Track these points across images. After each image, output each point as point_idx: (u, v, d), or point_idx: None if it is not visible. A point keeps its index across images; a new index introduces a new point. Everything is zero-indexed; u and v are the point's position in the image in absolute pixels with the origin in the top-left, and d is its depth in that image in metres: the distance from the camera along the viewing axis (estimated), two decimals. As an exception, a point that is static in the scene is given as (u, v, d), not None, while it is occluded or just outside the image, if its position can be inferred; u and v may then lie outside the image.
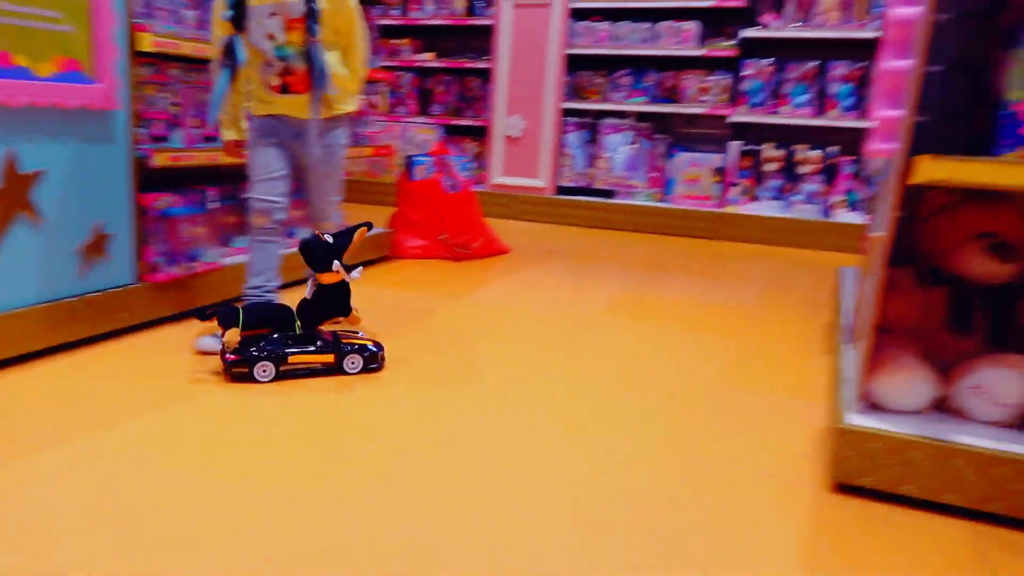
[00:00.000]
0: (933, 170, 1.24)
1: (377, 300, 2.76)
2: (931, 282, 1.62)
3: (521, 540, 1.27)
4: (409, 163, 3.64)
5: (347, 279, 2.02)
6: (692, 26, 4.52)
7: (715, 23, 4.64)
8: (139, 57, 2.22)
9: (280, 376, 1.91)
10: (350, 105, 2.25)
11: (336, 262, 1.97)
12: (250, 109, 2.19)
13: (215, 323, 1.92)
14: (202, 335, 2.14)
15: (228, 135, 2.21)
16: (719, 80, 4.58)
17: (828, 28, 4.24)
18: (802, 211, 4.38)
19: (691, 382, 2.07)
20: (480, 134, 5.23)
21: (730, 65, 4.56)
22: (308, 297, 2.02)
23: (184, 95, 2.42)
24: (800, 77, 4.34)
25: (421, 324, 2.51)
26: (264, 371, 1.89)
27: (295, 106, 2.14)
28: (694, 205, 4.63)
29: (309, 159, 2.21)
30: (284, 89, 2.12)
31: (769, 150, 4.46)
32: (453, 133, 5.37)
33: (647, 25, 4.63)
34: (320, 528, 1.27)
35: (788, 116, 4.37)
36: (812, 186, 4.38)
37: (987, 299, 1.56)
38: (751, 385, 2.07)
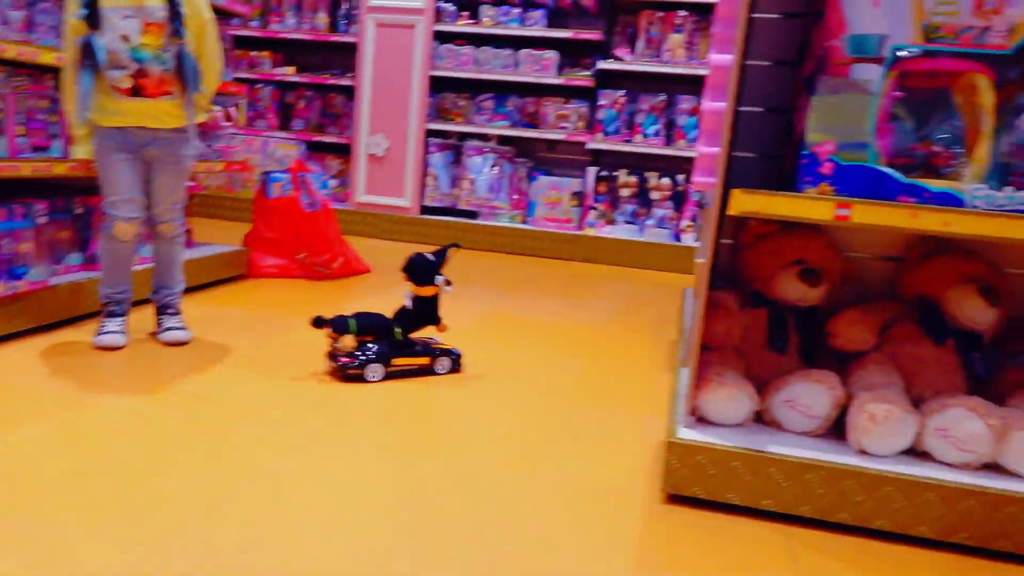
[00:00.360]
0: (745, 203, 1.36)
1: (226, 318, 2.66)
2: (753, 304, 1.76)
3: (350, 561, 1.26)
4: (266, 180, 3.54)
5: (442, 292, 2.27)
6: (551, 55, 4.69)
7: (573, 54, 4.83)
8: (-46, 58, 2.05)
9: (386, 377, 2.15)
10: (199, 116, 2.22)
11: (438, 276, 2.24)
12: (95, 120, 2.11)
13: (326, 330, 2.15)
14: (103, 333, 2.22)
15: (82, 152, 2.15)
16: (577, 108, 4.76)
17: (675, 64, 4.52)
18: (654, 235, 4.62)
19: (541, 399, 2.13)
20: (343, 151, 5.16)
21: (587, 94, 4.76)
22: (408, 307, 2.26)
23: (8, 100, 2.24)
24: (651, 109, 4.60)
25: (272, 342, 2.44)
26: (374, 373, 2.14)
27: (144, 114, 2.11)
28: (555, 227, 4.77)
29: (155, 167, 2.21)
30: (135, 92, 2.09)
31: (624, 176, 4.69)
32: (315, 149, 5.27)
33: (508, 52, 4.75)
34: (147, 564, 1.21)
35: (640, 145, 4.62)
36: (663, 211, 4.64)
37: (799, 320, 1.72)
38: (598, 401, 2.17)
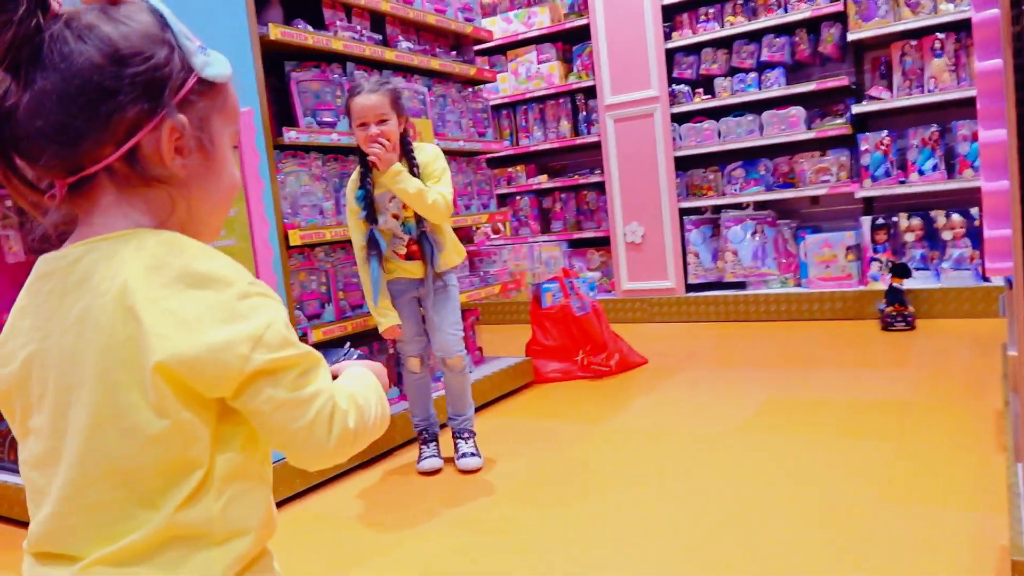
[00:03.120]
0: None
1: (517, 430, 2.86)
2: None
3: None
4: (538, 291, 3.80)
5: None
6: (797, 111, 4.52)
7: (821, 104, 4.62)
8: (290, 250, 2.52)
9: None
10: (454, 260, 2.53)
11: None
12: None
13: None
14: (423, 459, 2.56)
15: (388, 322, 2.47)
16: (836, 158, 4.50)
17: (943, 91, 4.11)
18: (953, 279, 4.13)
19: (842, 500, 1.98)
20: (603, 243, 5.36)
21: (845, 142, 4.49)
22: None
23: (330, 274, 2.70)
24: (923, 143, 4.20)
25: (558, 455, 2.56)
26: None
27: (415, 268, 2.47)
28: (834, 286, 4.48)
29: (428, 304, 2.51)
30: (410, 257, 2.45)
31: (905, 220, 4.29)
32: (576, 246, 5.54)
33: (751, 117, 4.67)
34: None
35: (918, 183, 4.21)
36: (959, 250, 4.14)
37: None
38: (911, 497, 1.96)
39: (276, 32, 2.48)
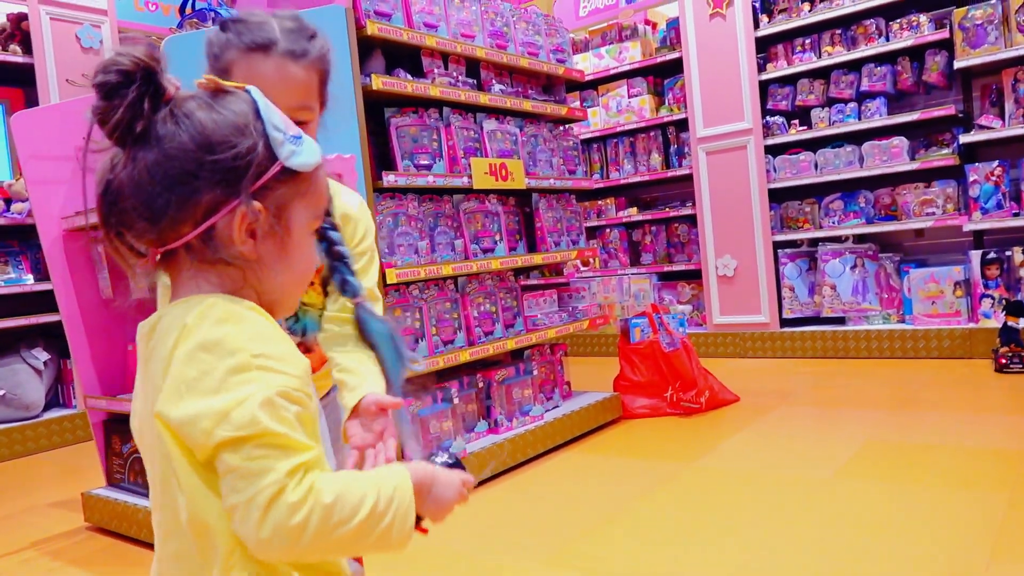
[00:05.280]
0: None
1: (604, 468, 2.86)
2: None
3: None
4: (627, 326, 3.80)
5: None
6: (899, 141, 4.37)
7: (926, 134, 4.45)
8: (387, 287, 2.64)
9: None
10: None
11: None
12: None
13: None
14: None
15: None
16: (943, 190, 4.33)
17: (1061, 118, 3.89)
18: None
19: (948, 556, 1.89)
20: (694, 276, 5.31)
21: (952, 173, 4.31)
22: None
23: (424, 310, 2.80)
24: (1039, 173, 3.98)
25: (645, 493, 2.55)
26: None
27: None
28: (940, 323, 4.28)
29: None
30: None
31: (1019, 255, 4.06)
32: (666, 279, 5.50)
33: (850, 148, 4.55)
34: None
35: (1033, 215, 3.99)
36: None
37: None
38: (1030, 557, 1.85)
39: (378, 83, 2.62)
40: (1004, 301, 3.97)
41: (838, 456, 2.75)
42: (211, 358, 0.70)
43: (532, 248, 3.40)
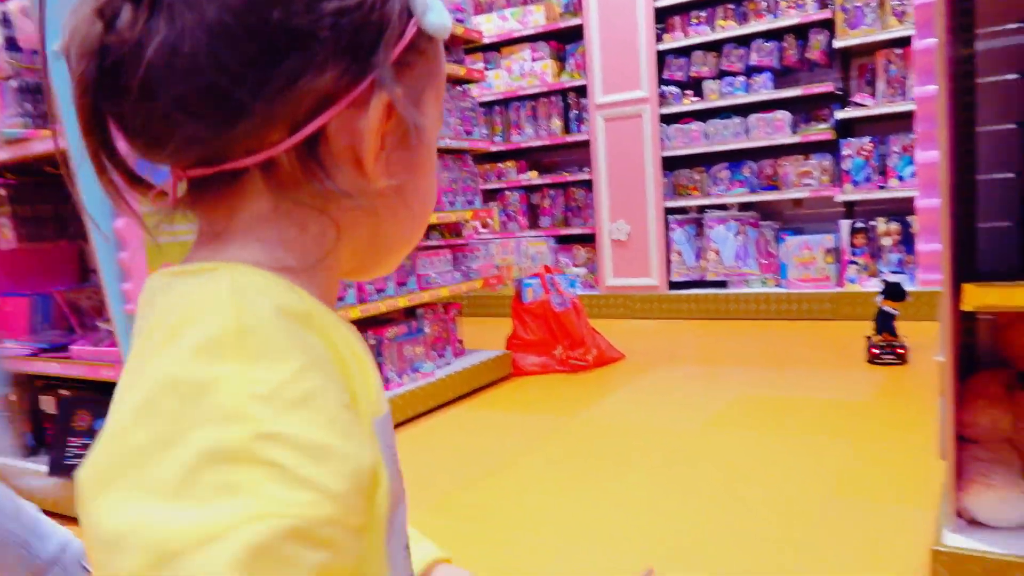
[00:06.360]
0: (980, 296, 1.29)
1: (493, 421, 2.95)
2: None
3: None
4: (519, 286, 3.89)
5: None
6: (783, 115, 4.60)
7: (807, 109, 4.70)
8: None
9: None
10: None
11: None
12: None
13: None
14: None
15: None
16: (819, 162, 4.59)
17: (925, 98, 4.20)
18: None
19: (797, 495, 2.08)
20: (589, 240, 5.45)
21: (828, 147, 4.58)
22: None
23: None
24: (904, 149, 4.29)
25: (530, 445, 2.66)
26: None
27: None
28: (811, 288, 4.58)
29: None
30: None
31: (883, 224, 4.38)
32: (563, 242, 5.63)
33: (738, 120, 4.75)
34: None
35: (897, 189, 4.30)
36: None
37: (1083, 403, 1.52)
38: (863, 495, 2.06)
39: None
40: (884, 283, 3.44)
41: (710, 408, 2.94)
42: (179, 411, 0.37)
43: (427, 206, 3.42)
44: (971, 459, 1.55)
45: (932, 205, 1.32)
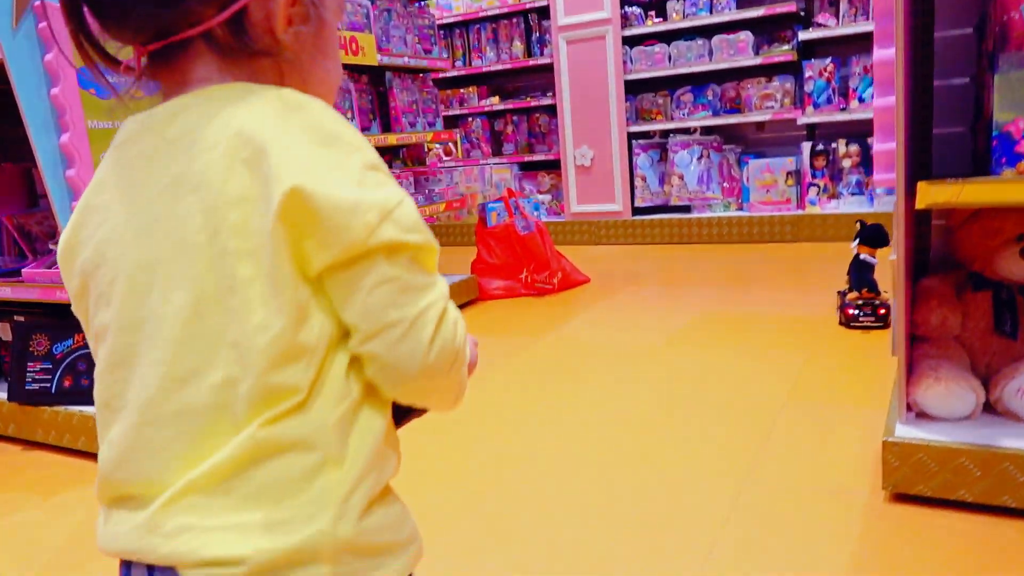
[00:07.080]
0: (933, 194, 1.31)
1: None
2: (973, 288, 1.66)
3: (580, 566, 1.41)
4: (483, 210, 3.86)
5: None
6: (746, 36, 4.56)
7: (770, 31, 4.66)
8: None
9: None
10: None
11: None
12: None
13: None
14: None
15: None
16: (782, 85, 4.58)
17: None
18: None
19: (756, 400, 2.15)
20: (554, 167, 5.42)
21: (791, 69, 4.56)
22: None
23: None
24: (865, 71, 4.29)
25: (495, 364, 2.69)
26: None
27: None
28: (772, 211, 4.63)
29: None
30: None
31: (843, 147, 4.42)
32: (527, 169, 5.58)
33: (701, 41, 4.70)
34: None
35: (858, 111, 4.33)
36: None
37: (1029, 300, 1.58)
38: (818, 397, 2.13)
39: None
40: (859, 225, 2.78)
41: (674, 326, 2.99)
42: (335, 152, 0.55)
43: (387, 128, 3.35)
44: (921, 356, 1.60)
45: (888, 104, 1.33)
